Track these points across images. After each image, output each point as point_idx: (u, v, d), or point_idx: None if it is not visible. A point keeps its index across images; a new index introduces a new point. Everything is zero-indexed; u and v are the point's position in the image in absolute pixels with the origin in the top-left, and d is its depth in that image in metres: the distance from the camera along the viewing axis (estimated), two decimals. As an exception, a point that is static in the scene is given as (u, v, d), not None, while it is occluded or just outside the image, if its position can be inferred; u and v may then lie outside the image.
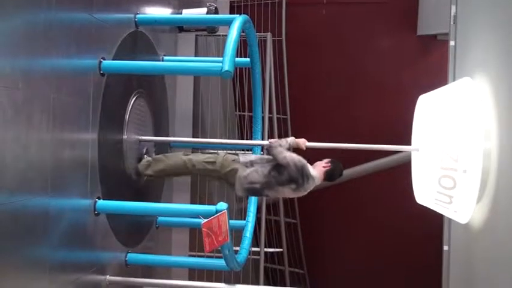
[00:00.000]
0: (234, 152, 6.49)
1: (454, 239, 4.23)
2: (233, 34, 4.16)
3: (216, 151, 6.24)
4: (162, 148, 5.53)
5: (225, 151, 5.12)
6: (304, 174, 4.36)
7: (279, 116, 7.66)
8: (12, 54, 2.95)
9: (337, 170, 4.56)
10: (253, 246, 6.18)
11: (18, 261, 3.08)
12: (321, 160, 4.57)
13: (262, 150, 5.52)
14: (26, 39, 3.09)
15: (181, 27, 6.13)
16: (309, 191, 4.51)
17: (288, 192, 4.50)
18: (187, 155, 4.78)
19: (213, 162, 4.59)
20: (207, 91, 6.65)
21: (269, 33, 6.72)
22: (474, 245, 3.68)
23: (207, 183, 6.33)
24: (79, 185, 3.81)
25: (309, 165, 4.44)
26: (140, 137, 4.86)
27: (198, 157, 4.72)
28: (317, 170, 4.48)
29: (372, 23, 7.93)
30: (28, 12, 3.12)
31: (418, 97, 4.17)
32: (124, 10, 4.57)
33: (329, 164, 4.51)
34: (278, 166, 4.40)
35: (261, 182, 4.43)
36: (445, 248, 4.31)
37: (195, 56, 6.29)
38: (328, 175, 4.52)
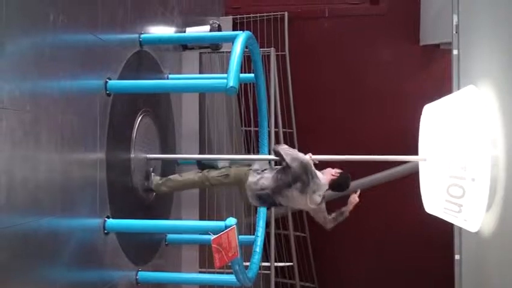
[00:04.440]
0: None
1: (465, 248, 4.20)
2: (237, 50, 4.19)
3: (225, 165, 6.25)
4: (169, 165, 5.55)
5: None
6: (308, 171, 4.42)
7: (284, 130, 7.67)
8: (21, 77, 2.99)
9: (344, 181, 4.60)
10: (263, 261, 6.16)
11: (29, 282, 3.09)
12: (332, 168, 4.61)
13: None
14: (34, 62, 3.13)
15: (185, 45, 6.18)
16: (318, 199, 4.50)
17: (296, 195, 4.49)
18: (199, 172, 4.87)
19: (227, 175, 4.73)
20: (213, 108, 6.68)
21: (272, 48, 6.75)
22: (485, 253, 3.65)
23: (216, 198, 6.33)
24: (88, 204, 3.83)
25: (316, 171, 4.50)
26: (147, 155, 4.88)
27: (212, 173, 4.80)
28: (326, 175, 4.54)
29: (374, 34, 7.97)
30: (35, 35, 3.16)
31: (423, 107, 4.17)
32: (128, 30, 4.62)
33: (338, 174, 4.56)
34: (284, 169, 4.51)
35: (269, 187, 4.53)
36: (457, 257, 4.27)
37: (200, 73, 6.33)
38: (335, 184, 4.55)
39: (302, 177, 4.42)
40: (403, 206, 6.89)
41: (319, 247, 8.29)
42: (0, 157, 2.80)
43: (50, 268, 3.29)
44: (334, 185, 4.57)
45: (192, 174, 4.92)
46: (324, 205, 4.63)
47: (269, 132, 6.14)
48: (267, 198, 4.62)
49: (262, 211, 5.52)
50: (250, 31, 4.74)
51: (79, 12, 3.69)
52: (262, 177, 4.59)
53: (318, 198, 4.51)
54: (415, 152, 4.25)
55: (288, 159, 4.45)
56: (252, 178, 4.60)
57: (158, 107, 5.28)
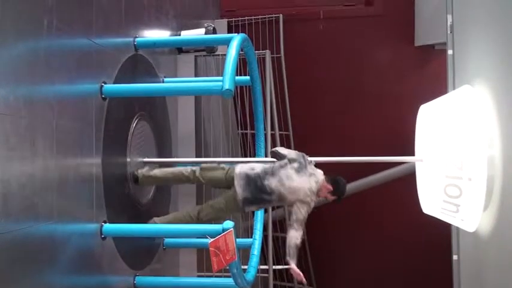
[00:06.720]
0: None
1: (463, 248, 4.20)
2: (232, 53, 4.18)
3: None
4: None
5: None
6: (305, 159, 4.41)
7: (281, 132, 7.66)
8: (15, 82, 2.97)
9: (344, 186, 4.50)
10: (261, 264, 6.15)
11: (26, 289, 3.07)
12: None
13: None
14: (28, 67, 3.12)
15: (180, 48, 6.18)
16: (315, 185, 4.31)
17: (293, 174, 4.31)
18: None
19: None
20: (209, 111, 6.67)
21: (268, 50, 6.75)
22: (483, 253, 3.65)
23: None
24: (84, 209, 3.81)
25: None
26: (144, 159, 4.87)
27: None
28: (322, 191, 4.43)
29: (369, 36, 7.98)
30: (29, 39, 3.15)
31: (418, 107, 4.17)
32: (123, 34, 4.61)
33: (331, 184, 4.40)
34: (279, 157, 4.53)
35: (260, 168, 4.45)
36: (455, 257, 4.27)
37: (195, 76, 6.32)
38: (339, 191, 4.43)
39: (299, 160, 4.40)
40: (401, 207, 6.89)
41: (317, 250, 8.27)
42: (-4, 163, 2.79)
43: (47, 274, 3.27)
44: (338, 192, 4.42)
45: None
46: (312, 205, 4.36)
47: (265, 134, 6.13)
48: (257, 180, 4.35)
49: (259, 213, 5.51)
50: (245, 34, 4.74)
51: (74, 16, 3.68)
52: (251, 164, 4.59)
53: (314, 184, 4.33)
54: (411, 152, 4.26)
55: (285, 152, 4.50)
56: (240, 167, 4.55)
57: (154, 110, 5.27)
